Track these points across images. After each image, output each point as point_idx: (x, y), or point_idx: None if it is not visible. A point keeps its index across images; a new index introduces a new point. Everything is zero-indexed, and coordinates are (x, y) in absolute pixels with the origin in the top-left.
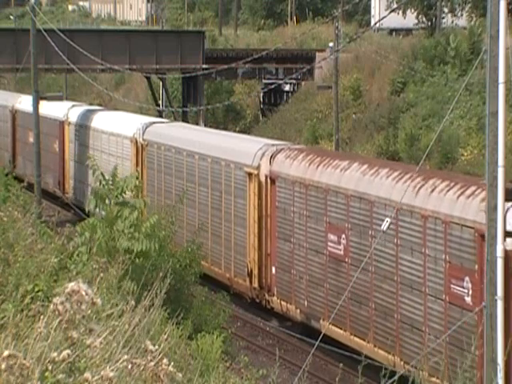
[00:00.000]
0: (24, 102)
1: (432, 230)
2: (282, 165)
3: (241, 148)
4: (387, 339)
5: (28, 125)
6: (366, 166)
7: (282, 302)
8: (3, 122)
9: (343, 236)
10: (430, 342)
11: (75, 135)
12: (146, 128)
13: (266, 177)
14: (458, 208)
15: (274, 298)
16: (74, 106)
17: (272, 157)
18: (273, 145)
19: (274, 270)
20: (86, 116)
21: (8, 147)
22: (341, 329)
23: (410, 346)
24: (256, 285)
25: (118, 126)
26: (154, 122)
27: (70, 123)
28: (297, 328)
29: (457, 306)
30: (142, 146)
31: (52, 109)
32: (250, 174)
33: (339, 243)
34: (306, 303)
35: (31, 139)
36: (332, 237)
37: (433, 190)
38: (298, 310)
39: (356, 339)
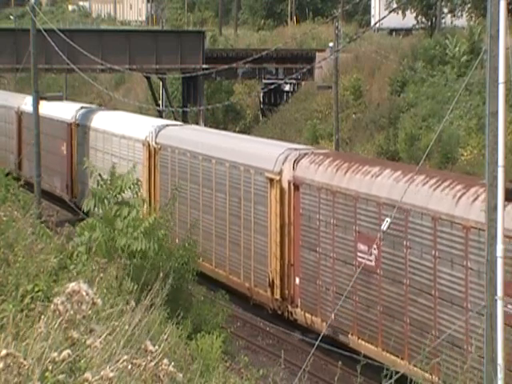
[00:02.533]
0: (30, 104)
1: (475, 241)
2: (307, 170)
3: (261, 152)
4: (424, 357)
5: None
6: (399, 173)
7: (307, 315)
8: (8, 123)
9: (374, 246)
10: (474, 361)
11: (84, 138)
12: (159, 131)
13: (289, 183)
14: (506, 219)
15: (298, 310)
16: (82, 107)
17: (295, 162)
18: (296, 149)
19: (297, 280)
20: (96, 118)
21: (13, 149)
22: (372, 344)
23: (449, 364)
24: (278, 296)
25: (130, 129)
26: (168, 125)
27: (78, 125)
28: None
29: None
30: (154, 149)
31: (60, 110)
32: (271, 180)
33: (370, 254)
34: (332, 316)
35: None
36: (362, 247)
37: (475, 199)
38: (324, 323)
39: (389, 355)
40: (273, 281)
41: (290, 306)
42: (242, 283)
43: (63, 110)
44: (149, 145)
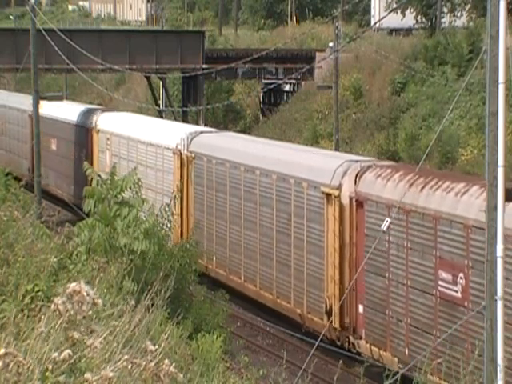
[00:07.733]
0: (45, 107)
1: None
2: (372, 185)
3: (315, 164)
4: None
5: (50, 131)
6: None
7: (373, 348)
8: (22, 127)
9: (461, 275)
10: None
11: (106, 144)
12: (193, 138)
13: (351, 199)
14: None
15: (362, 342)
16: (103, 111)
17: (358, 175)
18: (357, 161)
19: (361, 308)
20: (119, 123)
21: (27, 155)
22: None
23: None
24: (337, 325)
25: (158, 136)
26: (202, 132)
27: (99, 131)
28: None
29: None
30: (187, 158)
31: (77, 114)
32: (328, 195)
33: (455, 283)
34: (406, 351)
35: (54, 147)
36: (444, 275)
37: None
38: (396, 359)
39: None
40: (330, 307)
41: (351, 337)
42: (292, 309)
43: (82, 114)
44: (180, 153)
